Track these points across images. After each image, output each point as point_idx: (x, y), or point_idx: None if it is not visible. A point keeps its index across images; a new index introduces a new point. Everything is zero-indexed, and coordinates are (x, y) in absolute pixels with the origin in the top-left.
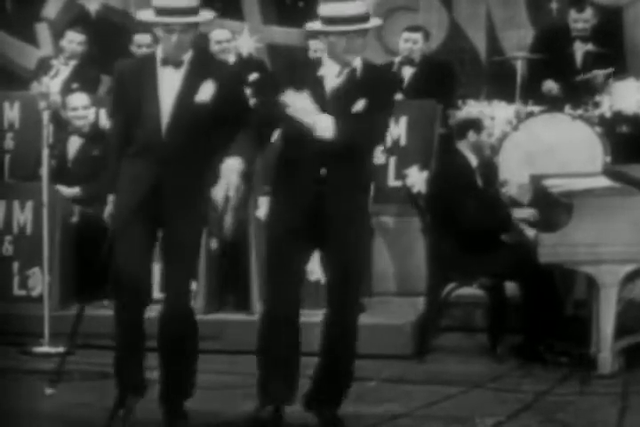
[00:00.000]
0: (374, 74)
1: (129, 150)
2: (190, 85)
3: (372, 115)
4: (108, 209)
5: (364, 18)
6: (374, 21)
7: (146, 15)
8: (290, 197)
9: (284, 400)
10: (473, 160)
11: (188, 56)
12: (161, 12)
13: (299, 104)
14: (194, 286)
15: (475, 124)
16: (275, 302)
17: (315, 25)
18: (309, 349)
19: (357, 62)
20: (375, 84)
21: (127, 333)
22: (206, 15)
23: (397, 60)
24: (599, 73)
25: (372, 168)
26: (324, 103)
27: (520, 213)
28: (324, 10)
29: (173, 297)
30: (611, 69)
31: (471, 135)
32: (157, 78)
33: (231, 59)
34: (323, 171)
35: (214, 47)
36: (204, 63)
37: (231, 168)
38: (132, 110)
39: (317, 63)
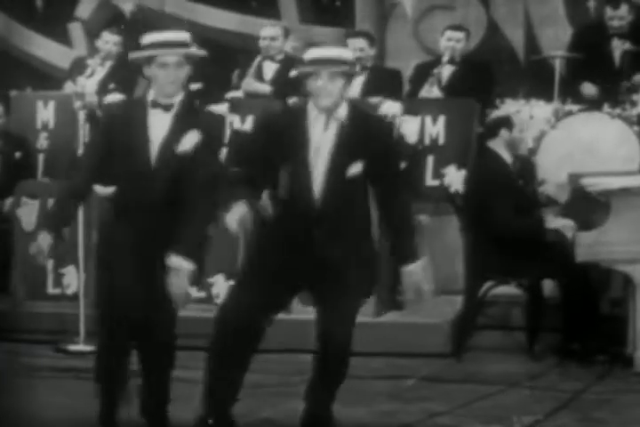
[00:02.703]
0: (366, 126)
1: (115, 192)
2: (176, 132)
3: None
4: None
5: (345, 61)
6: (353, 68)
7: (137, 53)
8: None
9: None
10: (507, 158)
11: (179, 98)
12: (152, 46)
13: None
14: (226, 286)
15: (506, 122)
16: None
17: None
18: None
19: (342, 111)
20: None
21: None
22: (199, 51)
23: (444, 60)
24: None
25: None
26: (308, 164)
27: (556, 224)
28: (310, 54)
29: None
30: None
31: (504, 133)
32: (148, 122)
33: (278, 57)
34: (315, 232)
35: (261, 43)
36: (192, 109)
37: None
38: (117, 153)
39: (302, 113)
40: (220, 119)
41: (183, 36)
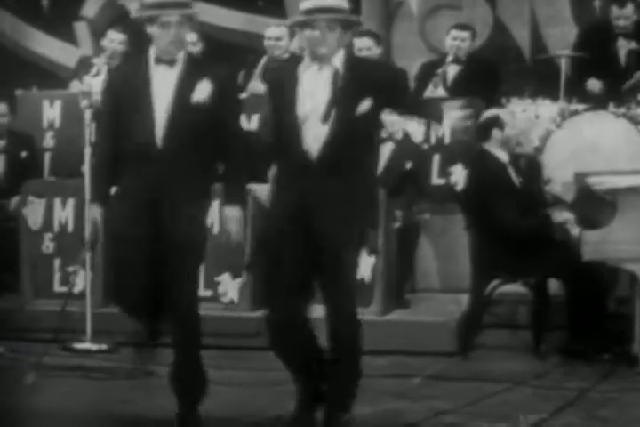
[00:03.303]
0: (364, 71)
1: (123, 156)
2: (186, 84)
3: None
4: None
5: (340, 10)
6: (352, 16)
7: (140, 12)
8: (280, 211)
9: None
10: (504, 156)
11: (181, 55)
12: (154, 6)
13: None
14: (233, 285)
15: (495, 122)
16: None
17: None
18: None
19: (338, 59)
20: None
21: None
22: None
23: (448, 59)
24: None
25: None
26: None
27: (558, 217)
28: (305, 4)
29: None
30: None
31: (496, 133)
32: (151, 78)
33: (284, 57)
34: (307, 183)
35: (266, 43)
36: (198, 62)
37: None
38: (124, 110)
39: (295, 63)
40: (229, 69)
41: None
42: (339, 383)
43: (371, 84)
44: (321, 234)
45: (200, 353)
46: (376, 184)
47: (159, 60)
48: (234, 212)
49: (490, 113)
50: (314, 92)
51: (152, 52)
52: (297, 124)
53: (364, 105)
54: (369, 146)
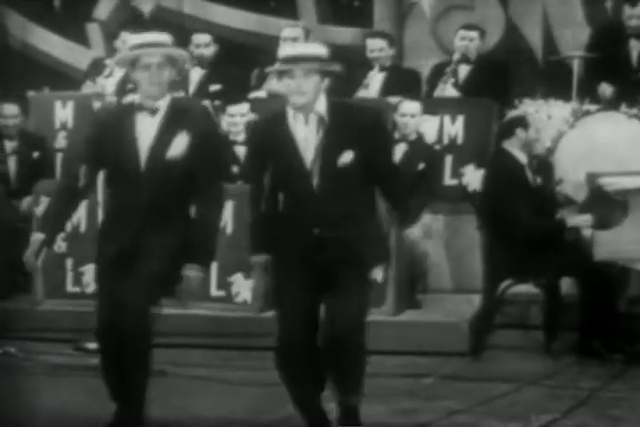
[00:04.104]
0: (348, 118)
1: (111, 199)
2: (164, 136)
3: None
4: None
5: (318, 57)
6: (333, 65)
7: (119, 56)
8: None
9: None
10: (523, 158)
11: (164, 102)
12: (134, 47)
13: None
14: (245, 285)
15: (521, 122)
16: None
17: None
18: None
19: (321, 105)
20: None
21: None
22: (179, 51)
23: (455, 58)
24: None
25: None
26: (302, 162)
27: (575, 220)
28: (283, 51)
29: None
30: None
31: (519, 133)
32: (135, 126)
33: None
34: (316, 230)
35: (282, 44)
36: (180, 112)
37: None
38: (107, 157)
39: (282, 113)
40: (208, 116)
41: (163, 37)
42: (344, 368)
43: (357, 129)
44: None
45: None
46: (383, 228)
47: (141, 108)
48: (194, 272)
49: (516, 112)
50: (306, 139)
51: (137, 99)
52: (302, 165)
53: (347, 156)
54: (366, 196)
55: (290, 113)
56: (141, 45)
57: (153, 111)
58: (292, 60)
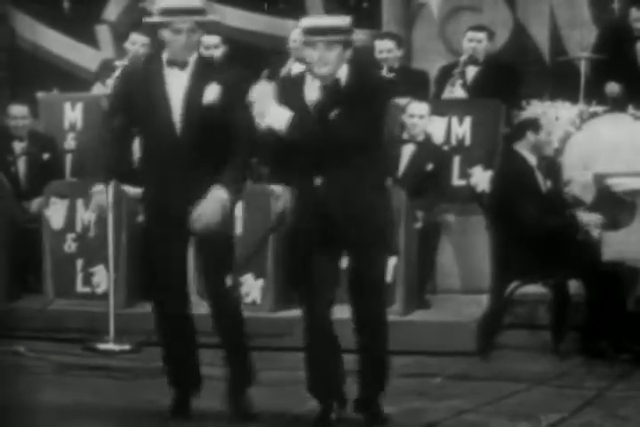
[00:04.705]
0: (358, 81)
1: (142, 152)
2: (197, 87)
3: (354, 119)
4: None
5: (340, 30)
6: (355, 35)
7: (153, 18)
8: (299, 205)
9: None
10: (533, 160)
11: (192, 58)
12: (167, 12)
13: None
14: (255, 285)
15: (533, 124)
16: (310, 304)
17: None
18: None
19: (342, 72)
20: (357, 92)
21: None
22: (213, 17)
23: (462, 59)
24: None
25: (385, 167)
26: (307, 116)
27: (586, 218)
28: (305, 23)
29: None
30: None
31: (530, 135)
32: (165, 79)
33: None
34: (317, 180)
35: (292, 46)
36: (208, 66)
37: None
38: (139, 111)
39: (301, 81)
40: (237, 71)
41: (196, 2)
42: (370, 363)
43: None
44: (345, 237)
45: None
46: (386, 188)
47: (171, 63)
48: (221, 194)
49: (529, 114)
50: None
51: (165, 55)
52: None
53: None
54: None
55: (308, 80)
56: (175, 11)
57: (182, 66)
58: (315, 32)
